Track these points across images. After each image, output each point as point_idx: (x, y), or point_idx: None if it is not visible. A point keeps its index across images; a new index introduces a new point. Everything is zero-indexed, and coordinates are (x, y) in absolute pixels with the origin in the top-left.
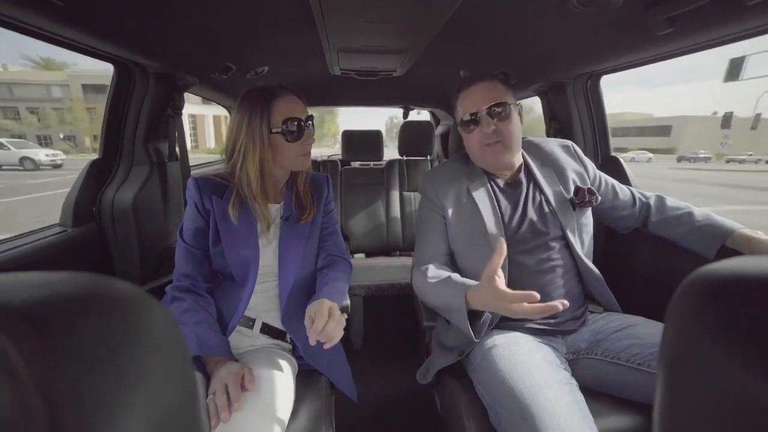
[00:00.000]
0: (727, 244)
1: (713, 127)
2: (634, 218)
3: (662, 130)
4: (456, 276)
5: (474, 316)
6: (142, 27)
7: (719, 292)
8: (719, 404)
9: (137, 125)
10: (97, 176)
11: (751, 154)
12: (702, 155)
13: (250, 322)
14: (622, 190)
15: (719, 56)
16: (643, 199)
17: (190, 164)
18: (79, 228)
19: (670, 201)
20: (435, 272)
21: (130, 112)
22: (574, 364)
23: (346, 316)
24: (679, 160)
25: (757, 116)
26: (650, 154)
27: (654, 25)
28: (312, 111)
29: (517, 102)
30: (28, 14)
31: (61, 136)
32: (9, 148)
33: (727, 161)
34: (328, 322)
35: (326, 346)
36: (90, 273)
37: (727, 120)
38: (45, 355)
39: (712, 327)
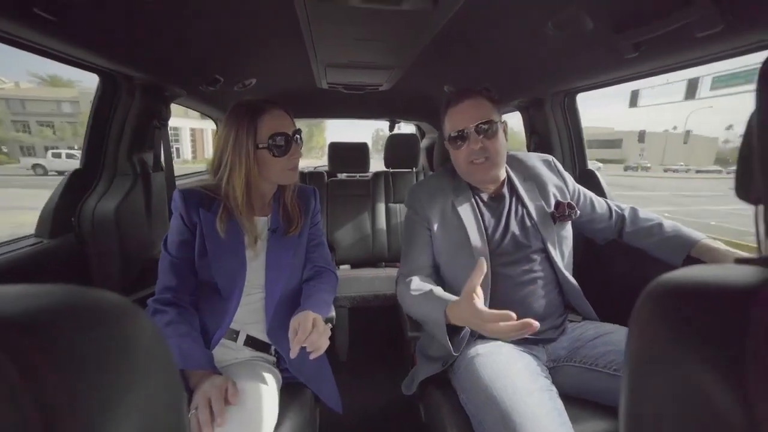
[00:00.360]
0: (692, 253)
1: (656, 140)
2: (611, 230)
3: (615, 143)
4: (438, 290)
5: (454, 330)
6: (131, 39)
7: (676, 298)
8: (677, 402)
9: (122, 136)
10: (77, 186)
11: (682, 164)
12: (643, 165)
13: (234, 335)
14: (600, 203)
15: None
16: (619, 211)
17: (193, 172)
18: (57, 239)
19: (642, 213)
20: (418, 284)
21: (114, 122)
22: (554, 372)
23: (330, 326)
24: (626, 169)
25: (687, 132)
26: (600, 164)
27: (622, 49)
28: (300, 124)
29: (502, 120)
30: (17, 28)
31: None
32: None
33: (665, 170)
34: (311, 333)
35: (312, 357)
36: (74, 285)
37: (641, 136)
38: (41, 367)
39: (671, 330)
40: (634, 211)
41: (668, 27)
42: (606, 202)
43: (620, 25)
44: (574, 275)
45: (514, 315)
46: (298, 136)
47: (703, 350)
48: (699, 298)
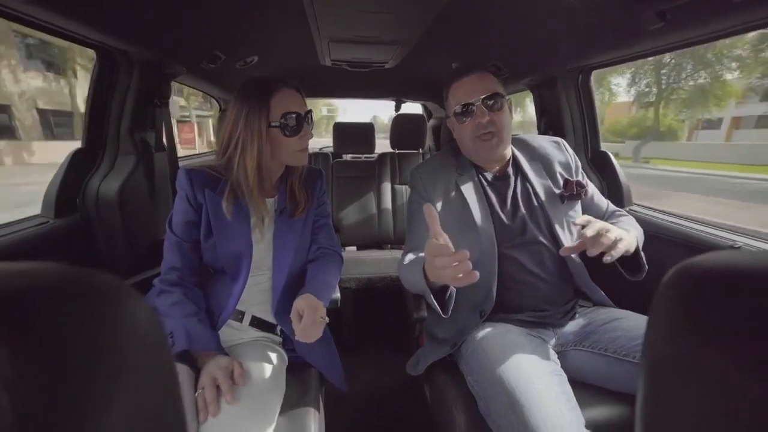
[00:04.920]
0: None
1: None
2: None
3: None
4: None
5: (441, 294)
6: (128, 13)
7: (702, 284)
8: (700, 394)
9: (122, 114)
10: (80, 166)
11: None
12: None
13: (239, 315)
14: (601, 199)
15: None
16: (611, 209)
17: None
18: (62, 219)
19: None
20: (411, 257)
21: (114, 100)
22: (563, 356)
23: (327, 320)
24: None
25: None
26: None
27: (646, 19)
28: (313, 108)
29: (507, 96)
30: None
31: None
32: None
33: None
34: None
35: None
36: (71, 264)
37: None
38: (16, 350)
39: (695, 318)
40: (613, 209)
41: None
42: (607, 201)
43: None
44: (587, 260)
45: (451, 249)
46: (310, 117)
47: (731, 340)
48: (729, 286)
